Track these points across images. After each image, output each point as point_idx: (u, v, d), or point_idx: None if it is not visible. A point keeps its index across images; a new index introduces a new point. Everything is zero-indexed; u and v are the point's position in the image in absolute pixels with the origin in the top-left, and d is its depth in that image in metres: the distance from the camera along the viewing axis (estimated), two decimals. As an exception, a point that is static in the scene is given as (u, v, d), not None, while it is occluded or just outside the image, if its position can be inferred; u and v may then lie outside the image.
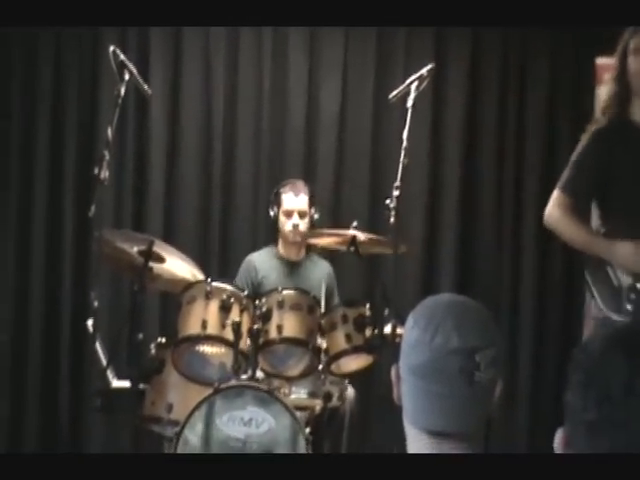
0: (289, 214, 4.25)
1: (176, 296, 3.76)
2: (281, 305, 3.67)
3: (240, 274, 4.31)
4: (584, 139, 3.17)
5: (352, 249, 3.81)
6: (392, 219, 3.53)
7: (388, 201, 3.55)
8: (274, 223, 4.32)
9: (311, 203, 4.28)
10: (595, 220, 3.28)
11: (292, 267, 4.34)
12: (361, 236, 3.81)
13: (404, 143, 3.60)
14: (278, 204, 4.28)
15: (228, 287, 3.72)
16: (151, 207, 4.98)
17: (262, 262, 4.33)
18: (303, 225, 4.25)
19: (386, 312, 3.62)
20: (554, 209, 3.20)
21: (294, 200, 4.25)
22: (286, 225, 4.26)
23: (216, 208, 5.01)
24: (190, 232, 4.99)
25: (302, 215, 4.25)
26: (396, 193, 3.55)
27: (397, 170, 3.58)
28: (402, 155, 3.58)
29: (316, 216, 4.29)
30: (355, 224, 3.85)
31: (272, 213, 4.29)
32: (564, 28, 4.46)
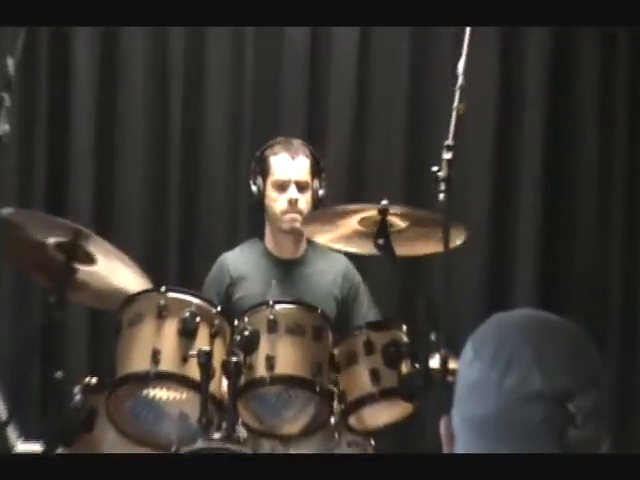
0: (282, 186, 4.24)
1: (113, 314, 3.77)
2: (273, 327, 3.67)
3: (207, 284, 4.31)
4: None
5: (380, 242, 3.79)
6: (442, 195, 3.52)
7: (436, 168, 3.54)
8: (259, 203, 4.30)
9: (314, 171, 4.28)
10: None
11: (287, 269, 4.35)
12: (395, 215, 3.78)
13: (460, 80, 3.59)
14: (264, 173, 4.27)
15: (193, 299, 3.73)
16: (76, 181, 4.99)
17: (242, 264, 4.34)
18: (304, 202, 4.24)
19: (432, 337, 3.61)
20: None
21: (290, 165, 4.25)
22: (278, 203, 4.24)
23: (174, 185, 5.03)
24: (135, 220, 5.02)
25: (302, 187, 4.24)
26: (447, 156, 3.53)
27: (448, 122, 3.57)
28: (456, 99, 3.58)
29: (321, 192, 4.29)
30: (385, 202, 3.83)
31: (255, 188, 4.28)
32: None
